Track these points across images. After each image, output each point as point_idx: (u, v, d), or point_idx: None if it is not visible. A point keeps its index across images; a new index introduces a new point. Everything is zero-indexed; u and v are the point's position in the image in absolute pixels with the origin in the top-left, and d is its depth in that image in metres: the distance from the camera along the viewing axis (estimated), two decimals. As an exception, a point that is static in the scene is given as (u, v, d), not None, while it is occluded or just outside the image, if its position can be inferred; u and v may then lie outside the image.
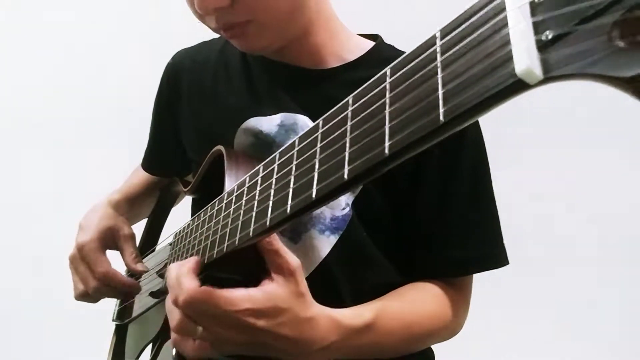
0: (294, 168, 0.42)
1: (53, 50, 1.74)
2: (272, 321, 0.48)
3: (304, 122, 0.68)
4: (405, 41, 0.73)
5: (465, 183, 0.67)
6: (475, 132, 0.69)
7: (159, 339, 0.71)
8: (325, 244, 0.66)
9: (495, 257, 0.68)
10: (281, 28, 0.65)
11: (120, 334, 0.89)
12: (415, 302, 0.64)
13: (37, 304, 1.64)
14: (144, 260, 0.84)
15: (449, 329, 0.68)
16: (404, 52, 0.77)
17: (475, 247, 0.67)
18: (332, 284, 0.66)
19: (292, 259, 0.51)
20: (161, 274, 0.71)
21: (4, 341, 1.65)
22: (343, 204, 0.66)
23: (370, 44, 0.73)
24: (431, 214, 0.68)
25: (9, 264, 1.68)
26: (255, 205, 0.46)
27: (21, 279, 1.67)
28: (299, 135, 0.42)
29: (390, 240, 0.69)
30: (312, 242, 0.66)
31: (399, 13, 1.53)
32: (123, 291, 0.82)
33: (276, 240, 0.50)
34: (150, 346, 0.75)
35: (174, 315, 0.51)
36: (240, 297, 0.48)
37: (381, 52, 0.72)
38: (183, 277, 0.50)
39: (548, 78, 0.25)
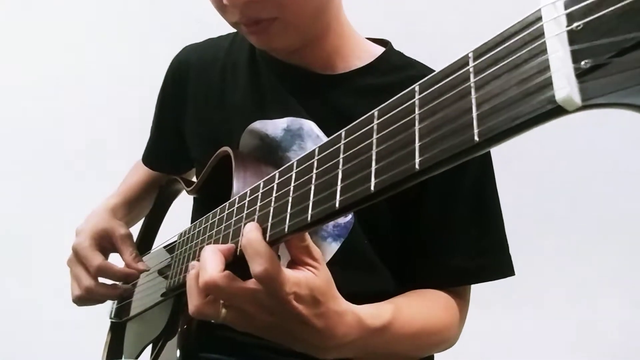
0: (314, 177, 0.42)
1: (52, 51, 1.71)
2: (310, 310, 0.46)
3: (310, 128, 0.68)
4: (411, 45, 0.75)
5: (469, 193, 0.68)
6: None
7: (162, 338, 0.71)
8: (327, 250, 0.66)
9: (498, 267, 0.69)
10: (304, 28, 0.65)
11: (117, 332, 0.89)
12: (430, 309, 0.64)
13: (30, 303, 1.63)
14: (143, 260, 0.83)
15: (451, 340, 0.68)
16: (412, 60, 0.78)
17: (478, 258, 0.67)
18: None
19: (316, 247, 0.48)
20: (165, 275, 0.71)
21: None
22: None
23: (380, 49, 0.73)
24: (434, 223, 0.68)
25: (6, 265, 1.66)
26: (272, 212, 0.47)
27: (17, 279, 1.66)
28: (320, 144, 0.43)
29: (391, 248, 0.69)
30: None
31: (404, 17, 1.52)
32: (120, 284, 0.81)
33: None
34: (151, 345, 0.75)
35: (195, 294, 0.48)
36: (293, 278, 0.45)
37: (390, 60, 0.72)
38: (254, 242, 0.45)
39: (585, 106, 0.26)
